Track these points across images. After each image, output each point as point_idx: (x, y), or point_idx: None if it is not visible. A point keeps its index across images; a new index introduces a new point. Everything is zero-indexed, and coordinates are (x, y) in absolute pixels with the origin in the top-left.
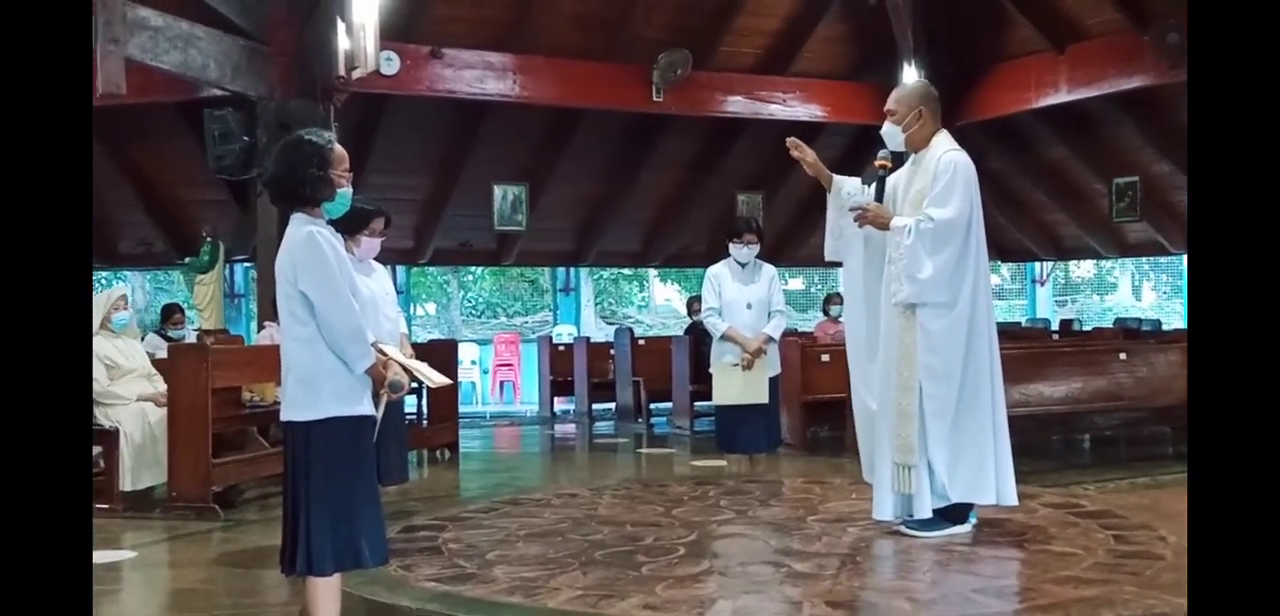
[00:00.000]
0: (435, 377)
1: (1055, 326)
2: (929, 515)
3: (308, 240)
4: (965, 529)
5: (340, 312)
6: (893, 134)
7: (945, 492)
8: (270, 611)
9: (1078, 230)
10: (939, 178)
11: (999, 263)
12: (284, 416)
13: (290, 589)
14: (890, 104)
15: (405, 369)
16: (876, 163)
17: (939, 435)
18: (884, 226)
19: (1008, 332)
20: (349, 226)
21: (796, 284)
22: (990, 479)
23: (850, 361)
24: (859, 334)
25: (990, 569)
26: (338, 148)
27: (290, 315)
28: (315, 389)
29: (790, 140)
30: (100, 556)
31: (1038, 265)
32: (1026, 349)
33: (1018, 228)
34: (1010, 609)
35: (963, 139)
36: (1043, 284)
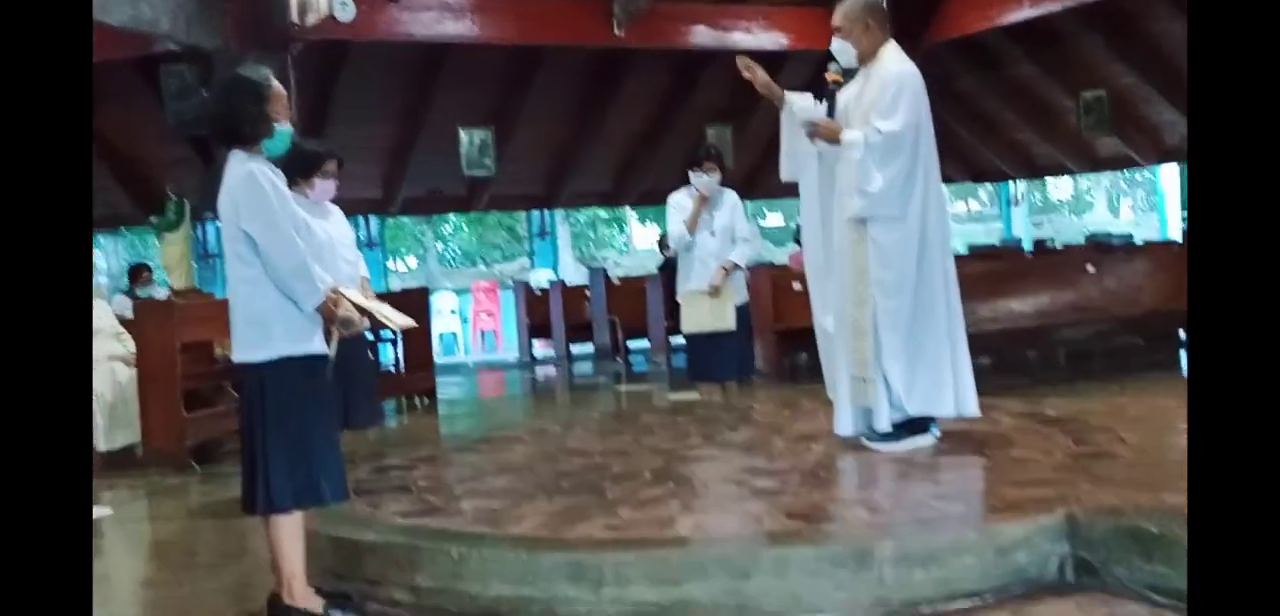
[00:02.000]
0: (397, 318)
1: (1029, 246)
2: (888, 428)
3: (247, 178)
4: (927, 440)
5: (284, 249)
6: (842, 49)
7: (903, 405)
8: (250, 557)
9: (1048, 147)
10: (886, 89)
11: (974, 184)
12: (236, 358)
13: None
14: (836, 19)
15: (364, 311)
16: (828, 77)
17: (894, 348)
18: (835, 141)
19: (979, 253)
20: (300, 170)
21: (775, 219)
22: (948, 390)
23: (809, 281)
24: (817, 254)
25: (950, 476)
26: (275, 84)
27: (236, 256)
28: (265, 329)
29: (740, 59)
30: None
31: (1012, 186)
32: (995, 266)
33: (990, 148)
34: (966, 510)
35: (930, 59)
36: (1017, 205)
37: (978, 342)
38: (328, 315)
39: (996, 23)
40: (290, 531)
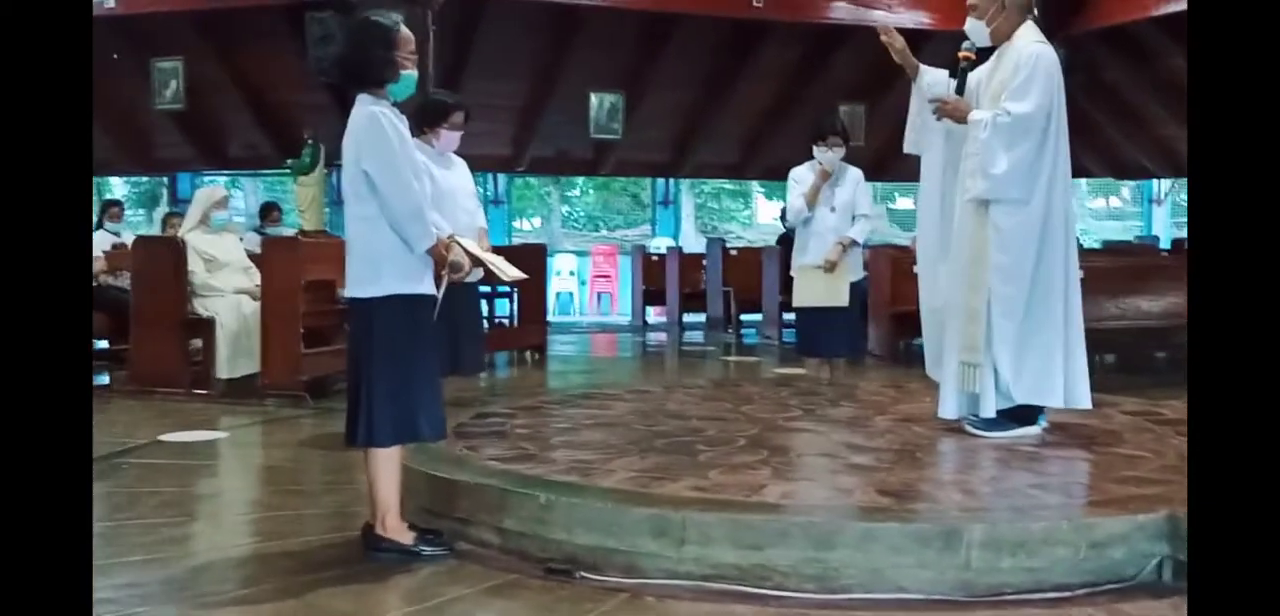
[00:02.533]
0: (509, 270)
1: (1167, 245)
2: (993, 414)
3: (370, 120)
4: (1033, 430)
5: (400, 192)
6: (976, 28)
7: (1010, 393)
8: (351, 488)
9: None
10: (1020, 70)
11: (1116, 181)
12: (347, 293)
13: None
14: None
15: (478, 261)
16: (960, 55)
17: (1005, 335)
18: (962, 120)
19: (1113, 249)
20: (429, 118)
21: (906, 203)
22: (1058, 381)
23: (918, 257)
24: (931, 230)
25: (1053, 467)
26: (404, 30)
27: (353, 195)
28: (377, 267)
29: (881, 25)
30: (197, 436)
31: (1155, 184)
32: (1126, 262)
33: (1135, 143)
34: (1064, 502)
35: (1076, 48)
36: (1160, 203)
37: (1103, 339)
38: (438, 259)
39: (1148, 13)
40: (387, 465)
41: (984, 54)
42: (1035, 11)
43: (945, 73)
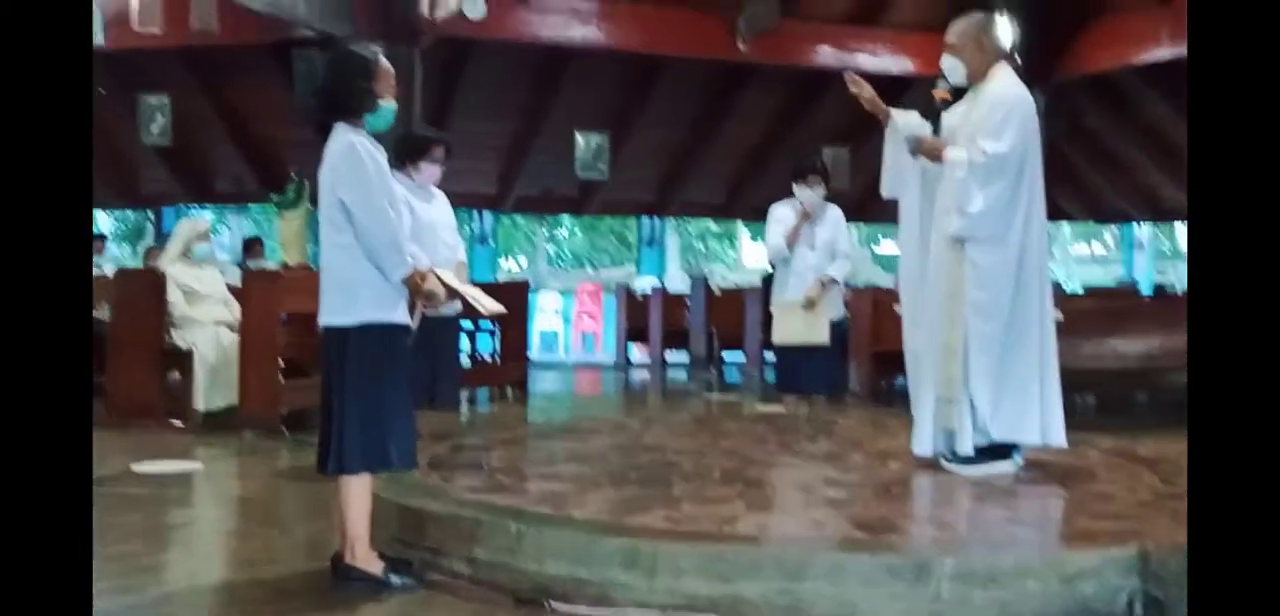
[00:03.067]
0: (488, 303)
1: (1149, 290)
2: (970, 451)
3: (348, 149)
4: (1007, 466)
5: (376, 221)
6: (952, 67)
7: (987, 429)
8: (325, 518)
9: (1176, 191)
10: (995, 110)
11: (1098, 225)
12: (322, 321)
13: None
14: (950, 36)
15: (456, 293)
16: (935, 94)
17: (982, 371)
18: (939, 159)
19: (1093, 292)
20: (410, 152)
21: (890, 247)
22: (1034, 418)
23: (902, 299)
24: (912, 272)
25: (1027, 503)
26: (383, 62)
27: (330, 223)
28: (352, 295)
29: (848, 74)
30: (171, 466)
31: (1136, 229)
32: (1106, 304)
33: (1116, 189)
34: (1036, 536)
35: (1059, 96)
36: (1142, 249)
37: (1081, 379)
38: (413, 288)
39: (1129, 62)
40: (358, 493)
41: (959, 94)
42: (1016, 57)
43: (917, 114)
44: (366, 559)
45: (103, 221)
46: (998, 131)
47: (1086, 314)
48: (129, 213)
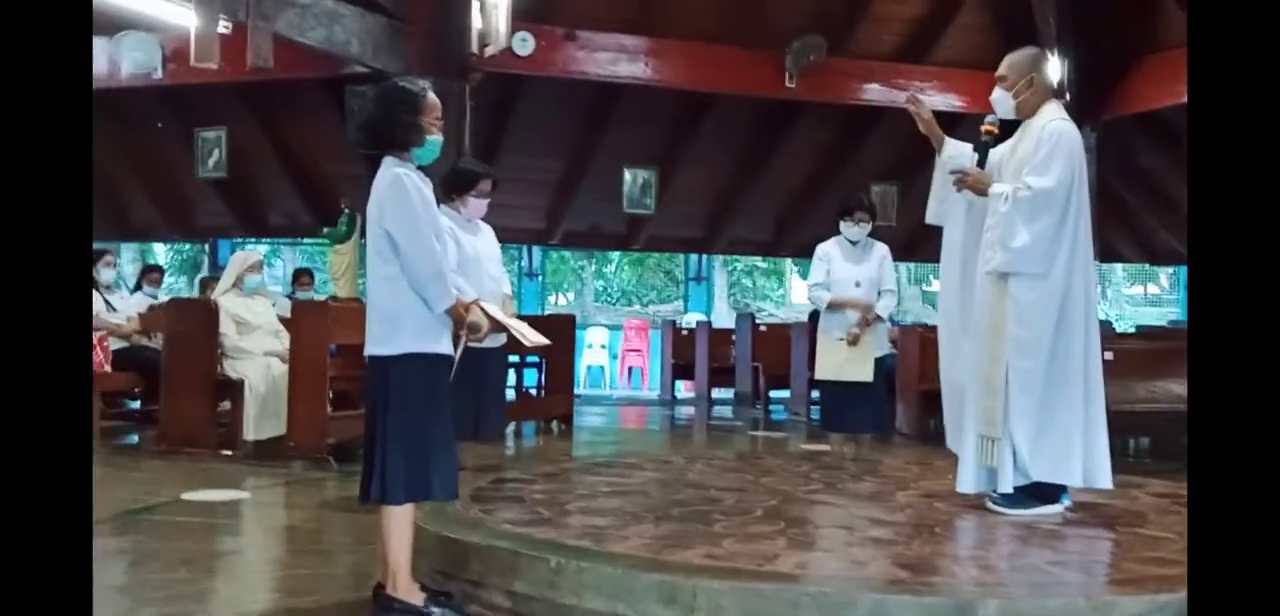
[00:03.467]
0: (532, 336)
1: None
2: (1011, 491)
3: (394, 182)
4: (1056, 509)
5: (421, 252)
6: (1001, 100)
7: (1027, 469)
8: (369, 548)
9: None
10: (1041, 146)
11: (1152, 267)
12: (367, 351)
13: None
14: (1001, 69)
15: (500, 325)
16: (983, 129)
17: (1023, 409)
18: (983, 192)
19: (1145, 332)
20: (457, 186)
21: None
22: (1077, 459)
23: (940, 329)
24: (952, 302)
25: (1073, 545)
26: (430, 96)
27: (376, 254)
28: (396, 325)
29: (908, 95)
30: (220, 495)
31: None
32: (1157, 345)
33: (1168, 229)
34: (1082, 580)
35: (1111, 134)
36: None
37: (1135, 421)
38: (457, 319)
39: (1181, 99)
40: (400, 524)
41: (1007, 130)
42: (1067, 94)
43: (969, 146)
44: (408, 590)
45: (160, 254)
46: (1043, 167)
47: (1139, 355)
48: (185, 245)
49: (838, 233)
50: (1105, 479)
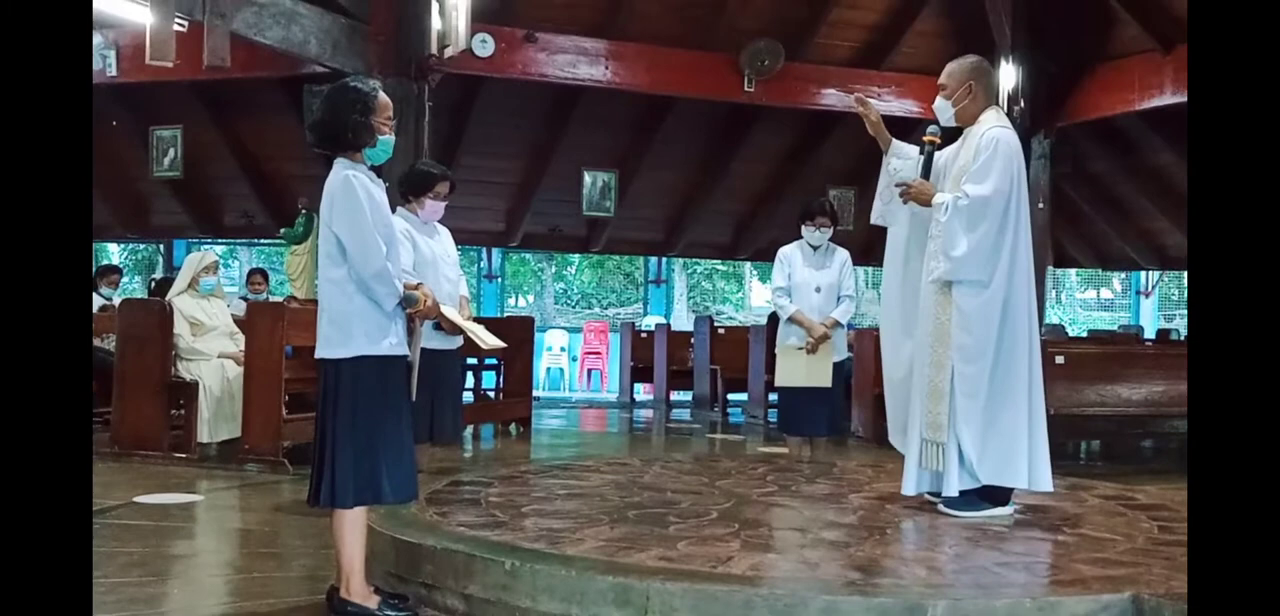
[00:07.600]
0: (488, 338)
1: (1152, 336)
2: (956, 493)
3: (344, 183)
4: (1005, 511)
5: (366, 253)
6: (943, 108)
7: (974, 472)
8: (324, 552)
9: (1182, 238)
10: (980, 154)
11: (1104, 272)
12: (318, 354)
13: None
14: (942, 78)
15: (458, 328)
16: (925, 138)
17: (968, 414)
18: (926, 203)
19: (1095, 337)
20: (413, 188)
21: None
22: (1022, 463)
23: (882, 328)
24: (893, 302)
25: (1020, 547)
26: (382, 95)
27: (327, 257)
28: (347, 328)
29: (856, 95)
30: (173, 498)
31: (1143, 276)
32: (1107, 350)
33: (1120, 235)
34: (1029, 580)
35: (1064, 141)
36: (1148, 295)
37: (1084, 425)
38: (407, 301)
39: (1135, 107)
40: (352, 527)
41: (952, 137)
42: (1021, 102)
43: (917, 148)
44: (362, 593)
45: (114, 254)
46: (981, 175)
47: (1089, 358)
48: (140, 245)
49: (799, 236)
50: (1047, 481)
